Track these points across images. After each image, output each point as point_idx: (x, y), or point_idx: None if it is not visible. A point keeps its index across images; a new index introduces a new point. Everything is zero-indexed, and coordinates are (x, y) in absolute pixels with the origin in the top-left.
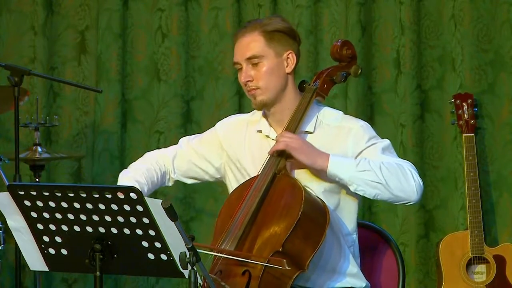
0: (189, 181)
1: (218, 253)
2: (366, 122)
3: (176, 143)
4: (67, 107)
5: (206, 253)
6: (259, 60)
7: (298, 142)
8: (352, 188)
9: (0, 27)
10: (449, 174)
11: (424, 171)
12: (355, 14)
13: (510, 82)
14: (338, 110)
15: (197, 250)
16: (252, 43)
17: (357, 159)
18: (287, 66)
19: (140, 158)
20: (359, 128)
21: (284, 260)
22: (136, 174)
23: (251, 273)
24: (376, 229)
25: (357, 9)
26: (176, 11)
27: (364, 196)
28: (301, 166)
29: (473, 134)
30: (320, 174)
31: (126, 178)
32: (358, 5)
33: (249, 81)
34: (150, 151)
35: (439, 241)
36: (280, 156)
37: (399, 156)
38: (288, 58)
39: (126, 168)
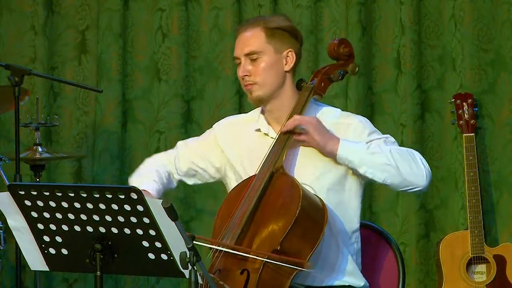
0: (191, 182)
1: (219, 246)
2: (364, 117)
3: (176, 143)
4: (67, 107)
5: (207, 246)
6: (258, 55)
7: (313, 122)
8: (361, 171)
9: (0, 27)
10: (449, 174)
11: None
12: (355, 14)
13: (510, 82)
14: (337, 108)
15: (200, 243)
16: (252, 39)
17: (367, 143)
18: (285, 64)
19: (143, 164)
20: (358, 123)
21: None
22: (150, 176)
23: (250, 271)
24: (376, 229)
25: (358, 9)
26: (177, 11)
27: (365, 194)
28: (304, 154)
29: (473, 134)
30: (324, 170)
31: (142, 178)
32: (358, 5)
33: (246, 75)
34: (150, 151)
35: (439, 241)
36: (288, 139)
37: None
38: (287, 56)
39: (133, 172)
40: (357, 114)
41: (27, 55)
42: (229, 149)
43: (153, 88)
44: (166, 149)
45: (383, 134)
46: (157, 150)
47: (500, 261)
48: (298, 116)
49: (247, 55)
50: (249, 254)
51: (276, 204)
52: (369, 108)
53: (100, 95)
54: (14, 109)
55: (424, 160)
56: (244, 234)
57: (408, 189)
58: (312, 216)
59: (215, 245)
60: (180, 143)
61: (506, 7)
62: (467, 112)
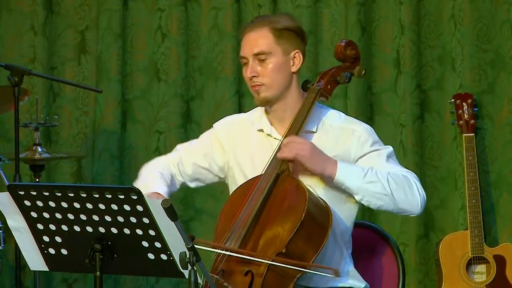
0: (193, 184)
1: (223, 250)
2: (369, 125)
3: (176, 143)
4: (67, 107)
5: (211, 250)
6: (266, 56)
7: (307, 149)
8: (357, 198)
9: (0, 27)
10: (449, 174)
11: (424, 171)
12: (355, 14)
13: (510, 82)
14: (339, 111)
15: (202, 247)
16: (260, 39)
17: (365, 169)
18: (293, 65)
19: (144, 168)
20: (363, 131)
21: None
22: (157, 180)
23: (254, 273)
24: (376, 229)
25: (357, 9)
26: (176, 11)
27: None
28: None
29: (473, 134)
30: (325, 178)
31: (150, 182)
32: (358, 5)
33: (254, 76)
34: (150, 151)
35: (439, 241)
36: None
37: (398, 157)
38: (294, 57)
39: (137, 178)
40: (357, 114)
41: (27, 55)
42: (231, 148)
43: (152, 88)
44: (165, 149)
45: (383, 136)
46: (157, 150)
47: (500, 261)
48: (292, 144)
49: (256, 55)
50: (254, 258)
51: (281, 207)
52: (369, 108)
53: (100, 95)
54: (14, 109)
55: (420, 186)
56: (249, 236)
57: (402, 215)
58: (317, 219)
59: (219, 249)
60: (180, 146)
61: (506, 7)
62: (466, 112)
